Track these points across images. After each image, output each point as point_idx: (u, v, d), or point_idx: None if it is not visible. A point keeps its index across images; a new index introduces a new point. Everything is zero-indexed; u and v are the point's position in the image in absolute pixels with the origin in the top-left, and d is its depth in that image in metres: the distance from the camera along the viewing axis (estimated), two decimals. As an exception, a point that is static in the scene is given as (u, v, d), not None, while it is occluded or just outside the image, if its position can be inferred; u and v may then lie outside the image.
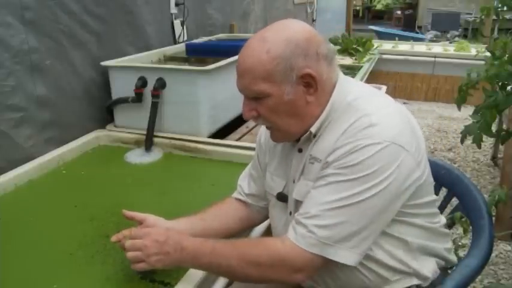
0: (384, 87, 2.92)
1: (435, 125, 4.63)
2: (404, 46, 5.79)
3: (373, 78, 4.49)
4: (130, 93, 2.04)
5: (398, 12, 15.26)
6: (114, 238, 1.14)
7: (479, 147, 1.31)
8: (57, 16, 1.91)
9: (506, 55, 1.35)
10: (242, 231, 1.27)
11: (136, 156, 1.98)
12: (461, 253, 1.27)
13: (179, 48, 2.66)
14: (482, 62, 1.38)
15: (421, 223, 1.04)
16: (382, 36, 9.14)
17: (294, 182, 1.08)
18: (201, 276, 1.09)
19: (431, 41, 8.97)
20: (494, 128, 1.33)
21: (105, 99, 2.17)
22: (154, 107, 2.00)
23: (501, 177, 2.64)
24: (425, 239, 1.05)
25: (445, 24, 11.12)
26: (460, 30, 11.02)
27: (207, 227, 1.19)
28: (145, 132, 2.00)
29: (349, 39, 4.94)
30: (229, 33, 3.46)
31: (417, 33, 11.52)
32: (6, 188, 1.65)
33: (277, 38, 0.96)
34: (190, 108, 2.03)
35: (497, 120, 1.33)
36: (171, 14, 2.74)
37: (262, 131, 1.21)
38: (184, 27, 2.85)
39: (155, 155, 1.99)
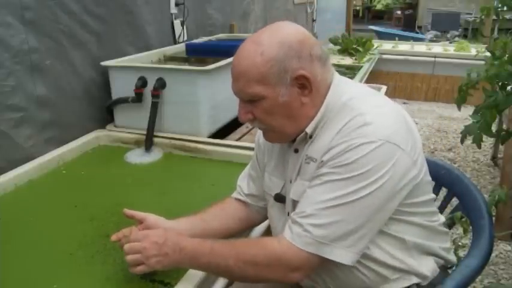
0: (384, 87, 2.92)
1: (435, 125, 4.63)
2: (404, 46, 5.80)
3: (373, 78, 4.49)
4: (130, 93, 2.04)
5: (398, 12, 15.27)
6: (114, 237, 1.14)
7: (479, 147, 1.31)
8: (57, 16, 1.91)
9: (506, 55, 1.34)
10: (242, 231, 1.28)
11: (137, 156, 1.98)
12: (461, 253, 1.27)
13: (179, 48, 2.66)
14: (482, 62, 1.38)
15: (419, 221, 1.04)
16: (382, 36, 9.14)
17: (290, 182, 1.08)
18: (201, 276, 1.10)
19: (431, 41, 8.97)
20: (494, 128, 1.33)
21: (105, 99, 2.17)
22: (154, 107, 2.00)
23: (501, 177, 2.64)
24: (423, 237, 1.05)
25: (445, 24, 11.12)
26: (460, 30, 11.02)
27: (207, 227, 1.19)
28: (145, 132, 2.00)
29: (349, 39, 4.95)
30: (229, 33, 3.46)
31: (417, 33, 11.52)
32: (6, 188, 1.65)
33: (271, 40, 0.97)
34: (190, 108, 2.03)
35: (497, 120, 1.33)
36: (171, 14, 2.74)
37: (261, 132, 1.21)
38: (184, 27, 2.85)
39: (155, 155, 1.99)
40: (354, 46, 4.75)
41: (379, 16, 16.78)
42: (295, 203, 1.04)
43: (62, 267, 1.24)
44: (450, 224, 1.23)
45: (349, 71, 3.85)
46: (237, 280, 1.12)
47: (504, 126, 2.62)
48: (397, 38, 6.30)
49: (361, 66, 4.03)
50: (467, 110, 1.51)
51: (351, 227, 0.93)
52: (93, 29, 2.11)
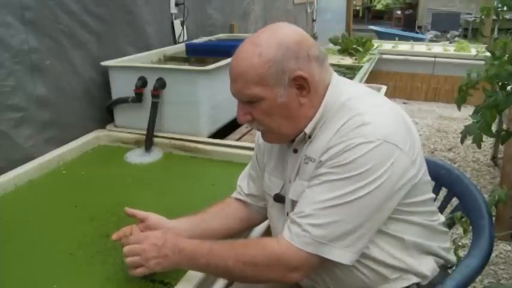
0: (384, 87, 2.92)
1: (435, 125, 4.63)
2: (404, 46, 5.80)
3: (373, 78, 4.49)
4: (131, 93, 2.04)
5: (398, 12, 15.27)
6: (114, 236, 1.14)
7: (479, 147, 1.31)
8: (57, 16, 1.91)
9: (506, 55, 1.35)
10: (242, 231, 1.28)
11: (137, 156, 1.98)
12: (461, 253, 1.27)
13: (179, 48, 2.66)
14: (482, 62, 1.38)
15: (418, 221, 1.04)
16: (382, 36, 9.14)
17: (290, 182, 1.08)
18: (201, 277, 1.10)
19: (431, 41, 8.97)
20: (494, 128, 1.33)
21: (105, 99, 2.17)
22: (154, 107, 2.00)
23: (501, 177, 2.64)
24: (422, 237, 1.05)
25: (445, 24, 11.12)
26: (460, 30, 11.02)
27: (207, 227, 1.19)
28: (145, 132, 2.00)
29: (349, 39, 4.95)
30: (229, 33, 3.46)
31: (417, 33, 11.53)
32: (6, 188, 1.65)
33: (269, 41, 0.97)
34: (190, 108, 2.03)
35: (497, 120, 1.33)
36: (171, 14, 2.74)
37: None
38: (184, 27, 2.85)
39: (155, 155, 1.99)
40: (354, 46, 4.75)
41: (379, 16, 16.78)
42: (294, 203, 1.04)
43: (62, 267, 1.24)
44: (450, 224, 1.23)
45: (349, 71, 3.85)
46: (237, 280, 1.12)
47: (504, 126, 2.62)
48: (397, 38, 6.30)
49: (361, 66, 4.02)
50: (467, 110, 1.51)
51: (349, 227, 0.93)
52: (93, 29, 2.11)
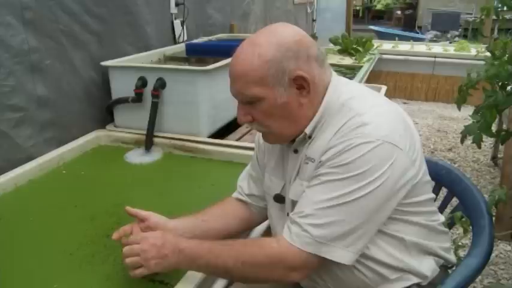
0: (384, 88, 2.92)
1: (435, 125, 4.63)
2: (404, 46, 5.80)
3: (373, 78, 4.49)
4: (130, 93, 2.04)
5: (398, 12, 15.25)
6: (115, 235, 1.14)
7: (479, 147, 1.31)
8: (57, 16, 1.91)
9: (506, 55, 1.35)
10: (243, 231, 1.28)
11: (136, 156, 1.98)
12: (461, 253, 1.27)
13: (179, 48, 2.66)
14: (482, 62, 1.38)
15: (418, 221, 1.04)
16: (382, 36, 9.14)
17: (290, 182, 1.08)
18: (201, 277, 1.09)
19: (431, 41, 8.97)
20: (494, 128, 1.33)
21: (105, 99, 2.17)
22: (154, 107, 2.00)
23: (501, 177, 2.64)
24: (422, 237, 1.05)
25: (445, 24, 11.12)
26: (460, 30, 11.02)
27: (208, 227, 1.19)
28: (145, 132, 2.00)
29: (349, 39, 4.94)
30: (229, 33, 3.46)
31: (417, 33, 11.52)
32: (6, 188, 1.65)
33: (268, 42, 0.97)
34: (190, 108, 2.03)
35: (497, 120, 1.33)
36: (171, 14, 2.74)
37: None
38: (184, 27, 2.85)
39: (155, 155, 1.99)
40: (354, 46, 4.74)
41: (379, 16, 16.76)
42: (294, 204, 1.04)
43: (62, 267, 1.24)
44: (450, 224, 1.23)
45: (349, 71, 3.84)
46: (236, 281, 1.12)
47: (504, 126, 2.63)
48: (397, 38, 6.30)
49: (361, 66, 4.02)
50: (467, 110, 1.51)
51: (349, 227, 0.93)
52: (93, 29, 2.11)
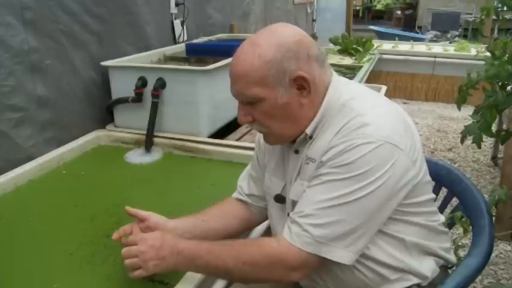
0: (384, 88, 2.92)
1: (435, 125, 4.63)
2: (404, 46, 5.80)
3: (373, 78, 4.49)
4: (130, 93, 2.04)
5: (398, 12, 15.25)
6: (115, 235, 1.14)
7: (479, 147, 1.31)
8: (57, 16, 1.91)
9: (506, 55, 1.35)
10: (243, 231, 1.28)
11: (136, 156, 1.98)
12: (461, 253, 1.27)
13: (179, 48, 2.66)
14: (482, 62, 1.38)
15: (418, 221, 1.04)
16: (382, 36, 9.14)
17: (290, 183, 1.08)
18: (201, 277, 1.09)
19: (431, 41, 8.97)
20: (494, 128, 1.33)
21: (105, 99, 2.17)
22: (154, 107, 2.00)
23: (501, 177, 2.64)
24: (423, 237, 1.05)
25: (445, 24, 11.12)
26: (460, 30, 11.02)
27: (208, 227, 1.19)
28: (145, 132, 2.00)
29: (349, 39, 4.94)
30: (229, 33, 3.46)
31: (417, 33, 11.52)
32: (6, 188, 1.65)
33: (268, 42, 0.97)
34: (190, 108, 2.03)
35: (497, 120, 1.33)
36: (171, 14, 2.74)
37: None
38: (184, 27, 2.85)
39: (155, 155, 1.99)
40: (354, 46, 4.74)
41: (379, 16, 16.76)
42: (295, 204, 1.04)
43: (62, 267, 1.24)
44: (450, 224, 1.23)
45: (349, 71, 3.85)
46: (236, 281, 1.12)
47: (504, 126, 2.63)
48: (397, 38, 6.30)
49: (361, 66, 4.02)
50: (467, 110, 1.51)
51: (350, 227, 0.93)
52: (93, 29, 2.11)
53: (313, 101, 1.01)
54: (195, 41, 2.85)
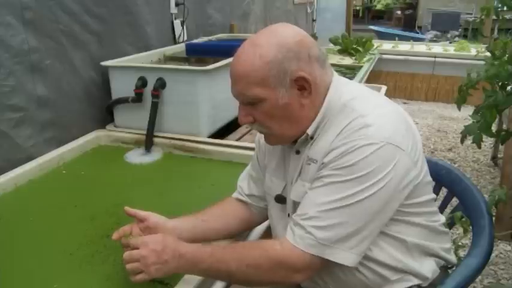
0: (384, 88, 2.92)
1: (435, 125, 4.63)
2: (404, 46, 5.80)
3: (373, 78, 4.49)
4: (130, 93, 2.04)
5: (399, 12, 15.25)
6: (115, 235, 1.14)
7: (479, 147, 1.31)
8: (57, 16, 1.90)
9: (506, 55, 1.35)
10: (242, 231, 1.28)
11: (136, 156, 1.97)
12: (461, 253, 1.27)
13: (179, 48, 2.66)
14: (482, 62, 1.38)
15: (419, 222, 1.04)
16: (382, 36, 9.14)
17: (291, 183, 1.08)
18: (200, 278, 1.09)
19: (431, 41, 8.97)
20: (494, 128, 1.33)
21: (105, 99, 2.17)
22: (154, 107, 2.00)
23: (501, 177, 2.64)
24: (423, 238, 1.05)
25: (445, 24, 11.12)
26: (460, 30, 11.02)
27: (208, 227, 1.19)
28: (145, 132, 2.00)
29: (349, 39, 4.94)
30: (229, 33, 3.46)
31: (417, 33, 11.52)
32: (6, 188, 1.65)
33: (269, 42, 0.97)
34: (190, 108, 2.03)
35: (497, 120, 1.33)
36: (171, 14, 2.74)
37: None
38: (184, 27, 2.85)
39: (155, 155, 1.99)
40: (354, 46, 4.74)
41: (379, 16, 16.76)
42: (295, 204, 1.04)
43: (62, 267, 1.23)
44: (450, 224, 1.23)
45: (349, 71, 3.85)
46: (239, 284, 1.11)
47: (504, 126, 2.63)
48: (397, 38, 6.30)
49: (361, 66, 4.02)
50: (467, 110, 1.51)
51: (353, 229, 0.93)
52: (93, 29, 2.11)
53: (314, 101, 1.01)
54: (195, 41, 2.85)
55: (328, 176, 0.95)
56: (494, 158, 3.62)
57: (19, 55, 1.74)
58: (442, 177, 1.33)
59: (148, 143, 2.00)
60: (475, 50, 4.93)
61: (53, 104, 1.92)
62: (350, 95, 1.02)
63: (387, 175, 0.92)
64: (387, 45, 5.77)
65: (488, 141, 3.76)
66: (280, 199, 1.13)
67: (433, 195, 1.10)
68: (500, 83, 1.32)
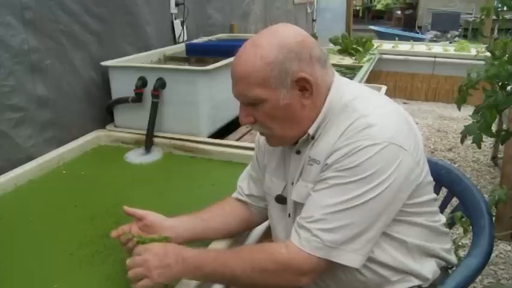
0: (384, 87, 2.92)
1: (435, 125, 4.63)
2: (404, 46, 5.80)
3: (373, 78, 4.50)
4: (130, 93, 2.04)
5: (398, 12, 15.25)
6: (113, 233, 1.14)
7: (479, 147, 1.31)
8: (57, 16, 1.90)
9: (506, 55, 1.35)
10: (242, 231, 1.28)
11: (136, 156, 1.97)
12: (461, 253, 1.27)
13: (179, 48, 2.66)
14: (482, 62, 1.38)
15: (421, 222, 1.04)
16: (382, 36, 9.14)
17: (292, 184, 1.08)
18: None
19: (431, 41, 8.97)
20: (494, 128, 1.33)
21: (105, 99, 2.17)
22: (154, 107, 2.00)
23: (501, 177, 2.64)
24: (424, 239, 1.05)
25: (445, 24, 11.12)
26: (460, 30, 11.02)
27: (208, 226, 1.19)
28: (145, 132, 2.00)
29: (349, 39, 4.94)
30: (229, 33, 3.46)
31: (417, 33, 11.52)
32: (6, 188, 1.64)
33: (270, 43, 0.97)
34: (190, 108, 2.03)
35: (497, 120, 1.33)
36: (171, 14, 2.74)
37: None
38: (184, 27, 2.85)
39: (155, 155, 1.99)
40: (354, 46, 4.75)
41: (379, 16, 16.75)
42: (296, 205, 1.04)
43: (62, 267, 1.23)
44: (450, 224, 1.23)
45: (349, 71, 3.85)
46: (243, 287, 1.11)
47: (504, 126, 2.63)
48: (397, 38, 6.31)
49: (361, 66, 4.02)
50: (467, 110, 1.51)
51: (358, 230, 0.93)
52: (93, 29, 2.10)
53: (315, 102, 1.01)
54: (195, 41, 2.85)
55: (332, 177, 0.95)
56: (494, 158, 3.62)
57: (19, 55, 1.74)
58: (442, 177, 1.33)
59: (148, 143, 1.99)
60: (475, 50, 4.93)
61: (53, 104, 1.92)
62: (351, 95, 1.02)
63: (391, 175, 0.92)
64: (387, 45, 5.77)
65: (488, 141, 3.76)
66: (281, 199, 1.13)
67: (434, 195, 1.10)
68: (500, 83, 1.32)
